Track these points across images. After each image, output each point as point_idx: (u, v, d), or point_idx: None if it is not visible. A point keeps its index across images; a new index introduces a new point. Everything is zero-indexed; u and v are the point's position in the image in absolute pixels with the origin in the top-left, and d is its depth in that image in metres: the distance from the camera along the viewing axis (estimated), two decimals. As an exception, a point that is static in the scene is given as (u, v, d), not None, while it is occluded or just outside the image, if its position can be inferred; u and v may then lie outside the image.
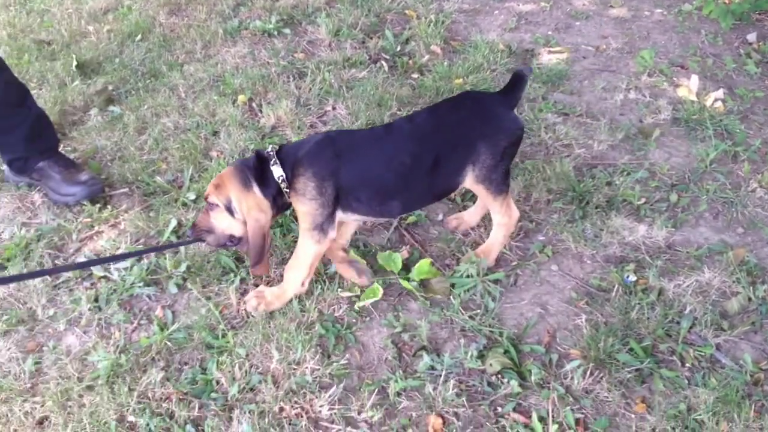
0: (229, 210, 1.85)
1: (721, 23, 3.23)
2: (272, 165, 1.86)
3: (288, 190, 1.86)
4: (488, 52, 3.01)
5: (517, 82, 1.94)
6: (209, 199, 1.86)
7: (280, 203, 1.89)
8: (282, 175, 1.85)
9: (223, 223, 1.88)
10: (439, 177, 1.89)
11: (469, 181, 1.93)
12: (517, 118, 1.96)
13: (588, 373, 1.75)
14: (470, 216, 2.22)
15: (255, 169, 1.87)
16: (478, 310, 1.94)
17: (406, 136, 1.87)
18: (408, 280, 2.02)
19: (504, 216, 2.01)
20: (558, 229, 2.19)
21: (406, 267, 2.07)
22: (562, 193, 2.31)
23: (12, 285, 2.07)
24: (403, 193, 1.89)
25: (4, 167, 2.47)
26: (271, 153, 1.88)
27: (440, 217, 2.28)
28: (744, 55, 3.05)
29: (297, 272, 1.93)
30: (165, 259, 2.12)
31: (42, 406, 1.72)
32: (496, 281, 2.03)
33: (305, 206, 1.84)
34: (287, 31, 3.25)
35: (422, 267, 2.04)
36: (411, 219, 2.25)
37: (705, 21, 3.32)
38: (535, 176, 2.37)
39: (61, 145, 2.52)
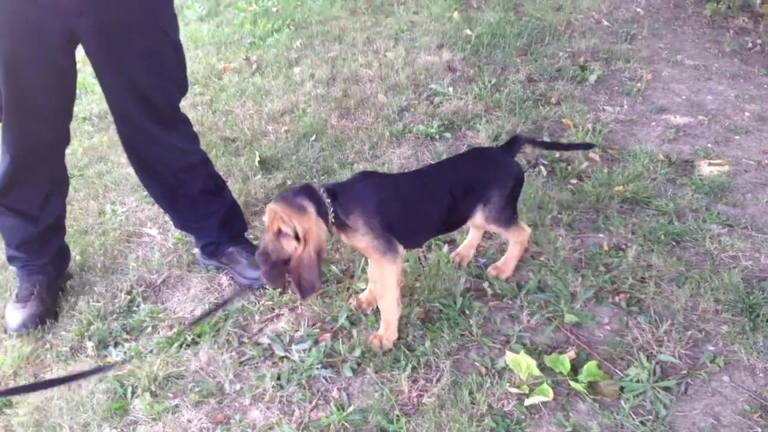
0: (297, 237, 1.99)
1: None
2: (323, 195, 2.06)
3: (334, 224, 2.07)
4: (647, 162, 3.08)
5: (515, 143, 2.36)
6: (282, 228, 1.97)
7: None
8: (331, 207, 2.05)
9: (290, 247, 2.01)
10: (454, 214, 2.25)
11: (480, 220, 2.27)
12: (519, 164, 2.36)
13: (768, 489, 1.73)
14: (466, 249, 2.58)
15: (308, 196, 2.02)
16: (649, 416, 1.95)
17: (432, 180, 2.23)
18: (576, 381, 2.07)
19: (518, 236, 2.39)
20: (729, 340, 2.19)
21: (574, 368, 2.12)
22: (731, 304, 2.31)
23: (204, 359, 2.27)
24: (427, 228, 2.26)
25: (196, 251, 2.73)
26: (320, 188, 2.08)
27: (606, 320, 2.33)
28: None
29: (389, 297, 2.18)
30: (340, 343, 2.27)
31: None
32: (666, 388, 2.04)
33: (363, 242, 2.10)
34: (448, 135, 3.45)
35: (590, 369, 2.08)
36: (573, 319, 2.31)
37: None
38: (702, 286, 2.39)
39: (247, 232, 2.75)
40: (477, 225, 2.36)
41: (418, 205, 2.19)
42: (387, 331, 2.23)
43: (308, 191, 2.05)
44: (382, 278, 2.16)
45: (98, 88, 2.33)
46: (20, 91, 2.11)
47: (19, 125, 2.18)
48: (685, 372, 2.11)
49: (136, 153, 2.47)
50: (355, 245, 2.15)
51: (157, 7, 2.18)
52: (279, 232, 2.00)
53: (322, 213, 2.03)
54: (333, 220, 2.06)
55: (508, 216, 2.30)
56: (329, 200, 2.05)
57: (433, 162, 2.61)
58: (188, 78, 2.44)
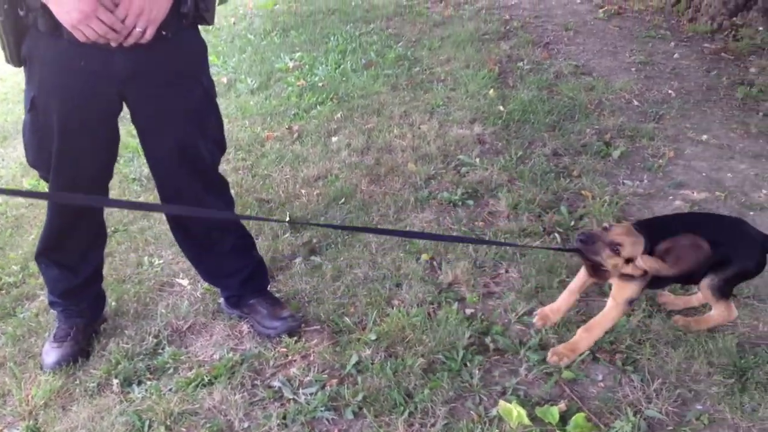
0: (627, 261, 2.28)
1: None
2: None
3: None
4: (659, 233, 3.18)
5: None
6: (622, 249, 2.27)
7: None
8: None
9: (610, 262, 2.30)
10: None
11: (704, 283, 2.41)
12: None
13: None
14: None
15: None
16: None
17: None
18: (564, 431, 2.16)
19: (725, 313, 2.49)
20: (716, 400, 2.26)
21: (563, 419, 2.21)
22: (723, 367, 2.38)
23: (217, 398, 2.43)
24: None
25: (221, 300, 2.92)
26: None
27: (600, 377, 2.42)
28: None
29: (597, 332, 2.45)
30: (345, 388, 2.41)
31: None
32: (650, 443, 2.12)
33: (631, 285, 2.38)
34: (470, 202, 3.61)
35: (578, 420, 2.18)
36: (570, 375, 2.41)
37: None
38: (697, 349, 2.47)
39: (270, 285, 2.94)
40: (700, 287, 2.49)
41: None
42: (569, 353, 2.45)
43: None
44: (605, 315, 2.45)
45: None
46: (72, 153, 2.29)
47: (65, 185, 2.35)
48: (671, 428, 2.18)
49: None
50: (619, 281, 2.40)
51: (198, 69, 2.39)
52: (618, 247, 2.27)
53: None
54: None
55: (728, 291, 2.45)
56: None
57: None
58: (228, 138, 2.65)
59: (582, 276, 2.58)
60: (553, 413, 2.22)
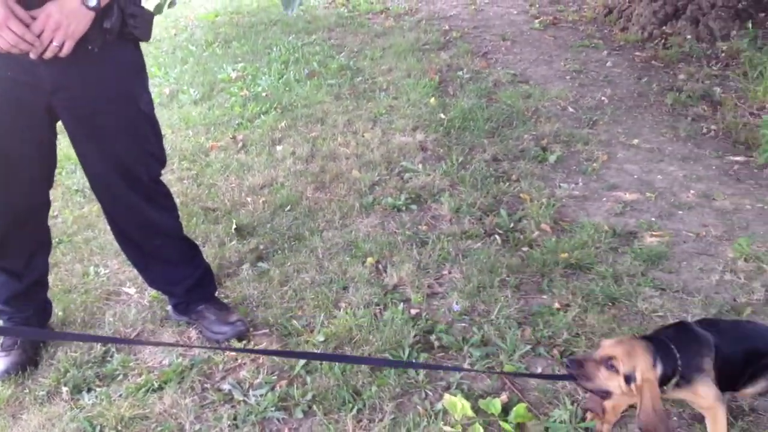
0: (627, 379, 1.89)
1: (823, 216, 3.42)
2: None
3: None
4: (593, 232, 3.33)
5: None
6: (614, 363, 1.90)
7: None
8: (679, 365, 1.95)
9: (611, 384, 1.92)
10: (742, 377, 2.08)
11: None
12: None
13: None
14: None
15: (662, 351, 1.95)
16: (568, 453, 2.15)
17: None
18: (506, 421, 2.26)
19: None
20: (647, 388, 2.39)
21: (505, 410, 2.31)
22: (654, 356, 2.52)
23: (167, 402, 2.46)
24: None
25: (169, 307, 2.95)
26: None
27: (539, 369, 2.53)
28: None
29: None
30: (295, 389, 2.47)
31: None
32: (587, 429, 2.23)
33: (711, 388, 1.98)
34: (414, 207, 3.71)
35: (519, 411, 2.28)
36: (511, 369, 2.51)
37: (807, 214, 3.51)
38: (629, 340, 2.60)
39: (217, 292, 2.97)
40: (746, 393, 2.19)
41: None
42: None
43: (666, 347, 1.97)
44: (716, 426, 2.03)
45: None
46: (4, 161, 2.31)
47: (3, 193, 2.38)
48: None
49: (114, 221, 2.69)
50: (699, 395, 2.00)
51: (133, 84, 2.41)
52: (611, 363, 1.92)
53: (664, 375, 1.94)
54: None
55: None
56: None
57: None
58: (172, 148, 2.69)
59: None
60: (495, 405, 2.32)
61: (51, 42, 2.07)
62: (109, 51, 2.26)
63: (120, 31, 2.23)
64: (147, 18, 2.32)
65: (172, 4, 5.74)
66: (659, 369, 1.92)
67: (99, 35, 2.19)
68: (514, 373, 2.48)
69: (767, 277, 3.00)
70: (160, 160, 2.62)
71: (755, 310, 2.78)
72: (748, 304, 2.82)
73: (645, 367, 1.89)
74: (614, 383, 1.91)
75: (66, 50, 2.11)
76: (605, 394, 1.98)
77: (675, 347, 1.96)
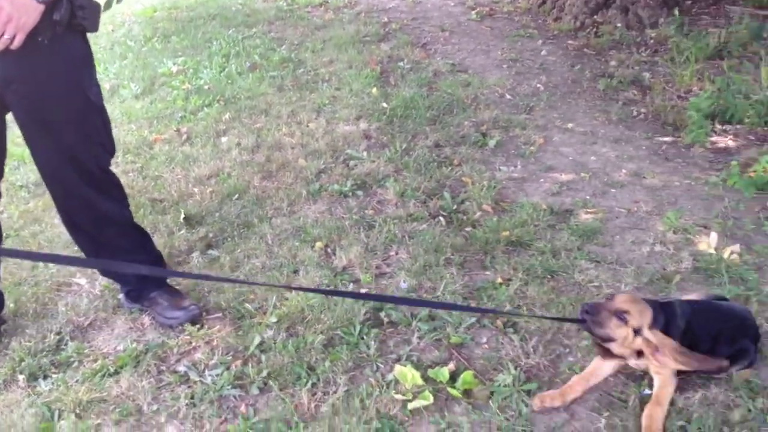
0: (635, 331, 2.20)
1: (744, 192, 3.64)
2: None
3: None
4: (532, 211, 3.48)
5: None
6: (629, 317, 2.20)
7: None
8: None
9: (619, 332, 2.21)
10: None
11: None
12: None
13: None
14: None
15: (658, 318, 2.23)
16: (513, 414, 2.28)
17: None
18: (454, 388, 2.38)
19: None
20: (585, 353, 2.54)
21: (453, 378, 2.43)
22: (591, 323, 2.67)
23: (124, 385, 2.51)
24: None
25: (121, 296, 2.98)
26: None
27: (484, 340, 2.66)
28: (763, 219, 3.41)
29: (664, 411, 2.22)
30: (250, 367, 2.54)
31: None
32: (528, 391, 2.36)
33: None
34: (360, 192, 3.81)
35: (466, 377, 2.40)
36: (458, 340, 2.64)
37: (729, 190, 3.72)
38: (568, 309, 2.75)
39: (168, 279, 3.02)
40: None
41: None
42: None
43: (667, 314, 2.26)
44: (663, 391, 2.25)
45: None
46: None
47: None
48: (546, 378, 2.44)
49: (66, 212, 2.71)
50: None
51: (81, 75, 2.44)
52: (625, 317, 2.21)
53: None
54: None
55: None
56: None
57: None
58: (115, 142, 2.72)
59: (596, 363, 2.41)
60: (443, 373, 2.44)
61: (2, 35, 2.10)
62: (59, 43, 2.29)
63: (69, 22, 2.26)
64: (95, 9, 2.36)
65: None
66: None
67: (49, 27, 2.22)
68: (508, 312, 2.67)
69: (694, 247, 3.19)
70: (109, 149, 2.66)
71: (683, 278, 2.96)
72: (677, 272, 3.00)
73: (649, 325, 2.20)
74: (622, 332, 2.21)
75: (17, 43, 2.14)
76: (609, 341, 2.25)
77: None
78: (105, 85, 5.65)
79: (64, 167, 2.50)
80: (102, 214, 2.68)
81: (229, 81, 5.63)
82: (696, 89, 5.06)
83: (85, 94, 2.45)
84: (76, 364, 2.65)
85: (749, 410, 2.24)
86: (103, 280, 3.08)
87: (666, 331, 2.22)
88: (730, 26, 6.14)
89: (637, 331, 2.20)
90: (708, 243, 3.17)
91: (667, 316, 2.25)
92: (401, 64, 5.93)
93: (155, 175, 4.15)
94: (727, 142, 4.34)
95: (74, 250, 3.25)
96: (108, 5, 5.46)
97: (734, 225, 3.36)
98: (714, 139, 4.37)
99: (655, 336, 2.18)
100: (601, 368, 2.39)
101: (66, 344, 2.75)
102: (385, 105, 4.97)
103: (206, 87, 5.52)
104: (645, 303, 2.25)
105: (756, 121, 4.49)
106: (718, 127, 4.52)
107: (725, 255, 3.07)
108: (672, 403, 2.27)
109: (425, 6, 7.96)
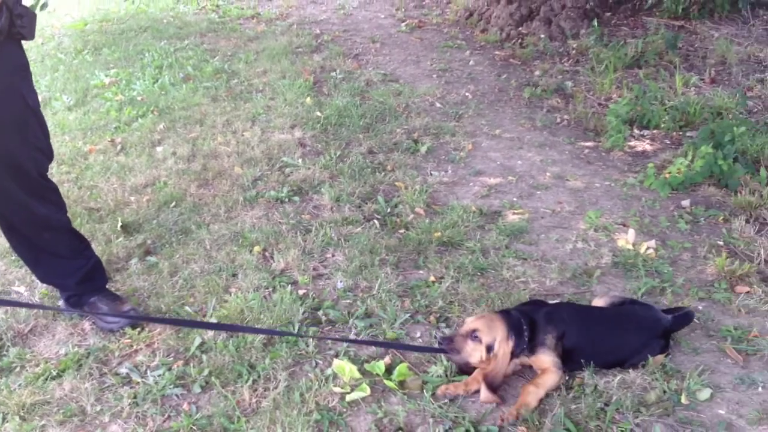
0: (489, 348, 2.39)
1: (660, 192, 3.88)
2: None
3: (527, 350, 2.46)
4: (462, 213, 3.64)
5: (684, 319, 2.68)
6: (478, 334, 2.40)
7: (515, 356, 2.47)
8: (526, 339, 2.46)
9: (474, 355, 2.40)
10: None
11: None
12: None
13: (531, 442, 2.19)
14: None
15: (515, 326, 2.45)
16: (446, 401, 2.41)
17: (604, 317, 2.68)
18: (390, 380, 2.50)
19: None
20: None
21: (388, 370, 2.55)
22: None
23: (67, 388, 2.55)
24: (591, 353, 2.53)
25: (61, 301, 3.01)
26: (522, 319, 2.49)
27: (418, 334, 2.79)
28: (677, 216, 3.65)
29: (542, 392, 2.40)
30: (191, 368, 2.61)
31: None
32: (461, 380, 2.50)
33: (550, 356, 2.46)
34: (296, 198, 3.90)
35: (401, 370, 2.53)
36: (393, 335, 2.76)
37: (646, 191, 3.96)
38: (497, 303, 2.91)
39: (108, 285, 3.06)
40: None
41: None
42: (523, 411, 2.33)
43: (518, 323, 2.46)
44: (544, 381, 2.42)
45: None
46: None
47: None
48: (476, 367, 2.59)
49: (4, 218, 2.74)
50: (540, 359, 2.47)
51: (19, 81, 2.48)
52: (475, 335, 2.40)
53: (518, 346, 2.44)
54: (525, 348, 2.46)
55: None
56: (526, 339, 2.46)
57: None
58: (52, 147, 2.76)
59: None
60: (379, 367, 2.55)
61: None
62: None
63: (9, 31, 2.31)
64: (32, 18, 2.41)
65: (44, 6, 5.65)
66: (512, 342, 2.43)
67: None
68: (395, 344, 2.72)
69: (614, 244, 3.40)
70: (47, 154, 2.69)
71: (603, 273, 3.16)
72: (598, 267, 3.19)
73: (502, 337, 2.41)
74: (478, 354, 2.40)
75: None
76: (468, 366, 2.45)
77: (526, 325, 2.48)
78: (35, 97, 5.60)
79: (4, 172, 2.52)
80: (39, 219, 2.71)
81: (163, 92, 5.66)
82: (615, 97, 5.33)
83: (24, 100, 2.49)
84: (18, 369, 2.68)
85: (664, 392, 2.43)
86: (42, 287, 3.10)
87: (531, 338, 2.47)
88: (647, 37, 6.47)
89: (489, 348, 2.40)
90: (626, 239, 3.38)
91: (531, 326, 2.48)
92: (334, 74, 6.06)
93: (91, 184, 4.16)
94: (644, 145, 4.60)
95: (12, 260, 3.27)
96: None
97: (650, 222, 3.59)
98: (632, 143, 4.63)
99: (502, 347, 2.40)
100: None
101: (7, 350, 2.76)
102: (319, 114, 5.08)
103: (139, 98, 5.54)
104: (496, 317, 2.47)
105: (671, 125, 4.77)
106: (636, 132, 4.79)
107: (642, 250, 3.28)
108: (594, 388, 2.44)
109: (356, 18, 8.12)
